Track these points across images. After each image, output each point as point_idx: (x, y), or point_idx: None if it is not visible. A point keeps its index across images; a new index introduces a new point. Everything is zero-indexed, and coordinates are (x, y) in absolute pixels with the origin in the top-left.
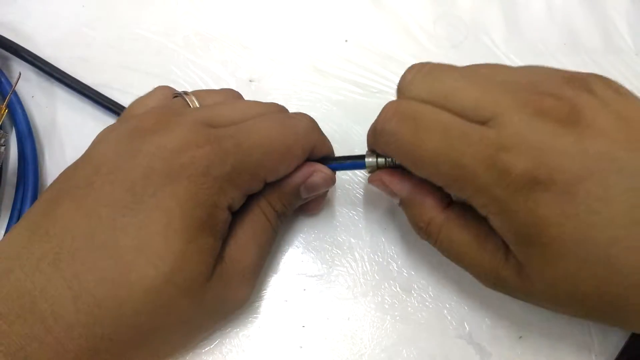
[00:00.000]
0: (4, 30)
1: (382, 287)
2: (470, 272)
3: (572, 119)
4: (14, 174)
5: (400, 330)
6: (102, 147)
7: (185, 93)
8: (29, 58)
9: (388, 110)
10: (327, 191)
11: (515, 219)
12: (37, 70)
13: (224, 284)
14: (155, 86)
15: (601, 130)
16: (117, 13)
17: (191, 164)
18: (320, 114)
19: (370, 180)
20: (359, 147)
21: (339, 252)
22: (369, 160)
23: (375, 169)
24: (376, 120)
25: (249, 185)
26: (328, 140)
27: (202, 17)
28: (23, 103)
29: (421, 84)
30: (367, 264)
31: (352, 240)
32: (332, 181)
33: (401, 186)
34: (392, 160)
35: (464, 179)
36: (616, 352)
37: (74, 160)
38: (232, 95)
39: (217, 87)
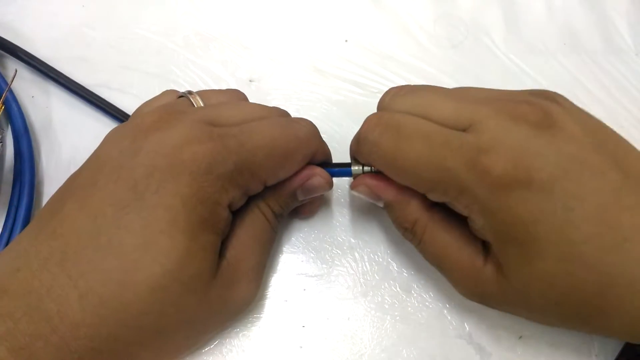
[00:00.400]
0: (3, 30)
1: (382, 287)
2: (450, 277)
3: (545, 123)
4: (10, 172)
5: (400, 330)
6: (106, 147)
7: (190, 93)
8: (25, 58)
9: (370, 120)
10: (323, 195)
11: (496, 217)
12: (33, 69)
13: (229, 283)
14: (156, 86)
15: (571, 134)
16: (117, 13)
17: (193, 160)
18: (320, 114)
19: (353, 186)
20: None
21: (339, 252)
22: (355, 168)
23: (357, 176)
24: (359, 131)
25: (249, 186)
26: (327, 147)
27: (202, 17)
28: (20, 101)
29: (401, 99)
30: (367, 264)
31: (352, 240)
32: (330, 185)
33: (386, 189)
34: (376, 168)
35: (446, 182)
36: (616, 353)
37: (71, 158)
38: (236, 96)
39: (217, 87)
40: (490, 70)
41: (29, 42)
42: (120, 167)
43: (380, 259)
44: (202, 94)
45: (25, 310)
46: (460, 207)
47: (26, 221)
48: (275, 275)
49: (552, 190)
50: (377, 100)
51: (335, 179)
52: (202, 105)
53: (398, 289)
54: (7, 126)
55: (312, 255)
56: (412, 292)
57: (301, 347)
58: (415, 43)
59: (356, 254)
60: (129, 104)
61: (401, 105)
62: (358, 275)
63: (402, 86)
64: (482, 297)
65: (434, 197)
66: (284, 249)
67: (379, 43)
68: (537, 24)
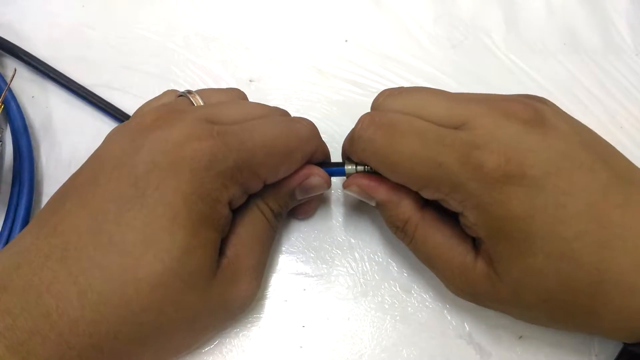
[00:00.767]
0: (3, 30)
1: (382, 287)
2: (441, 276)
3: (537, 120)
4: (10, 171)
5: (400, 330)
6: (107, 146)
7: (189, 92)
8: (25, 57)
9: (364, 119)
10: (321, 195)
11: (489, 212)
12: (33, 68)
13: (230, 281)
14: (155, 86)
15: (562, 132)
16: (117, 13)
17: (194, 157)
18: (320, 114)
19: (345, 185)
20: None
21: (339, 252)
22: (349, 167)
23: (350, 176)
24: (353, 129)
25: (249, 184)
26: (326, 147)
27: (202, 17)
28: (20, 101)
29: (395, 99)
30: (367, 264)
31: (352, 240)
32: (327, 185)
33: (378, 188)
34: (370, 167)
35: (440, 178)
36: (616, 352)
37: (71, 157)
38: (237, 95)
39: (217, 87)
40: (490, 70)
41: (29, 42)
42: (122, 164)
43: (380, 259)
44: (202, 93)
45: (24, 307)
46: (453, 203)
47: (26, 220)
48: (275, 275)
49: (544, 186)
50: None
51: (334, 179)
52: (202, 104)
53: (398, 289)
54: (7, 125)
55: (312, 255)
56: (412, 292)
57: (301, 347)
58: (415, 43)
59: (356, 254)
60: (129, 104)
61: (395, 105)
62: (358, 275)
63: (396, 87)
64: (474, 295)
65: (427, 194)
66: (284, 249)
67: (379, 43)
68: (537, 24)
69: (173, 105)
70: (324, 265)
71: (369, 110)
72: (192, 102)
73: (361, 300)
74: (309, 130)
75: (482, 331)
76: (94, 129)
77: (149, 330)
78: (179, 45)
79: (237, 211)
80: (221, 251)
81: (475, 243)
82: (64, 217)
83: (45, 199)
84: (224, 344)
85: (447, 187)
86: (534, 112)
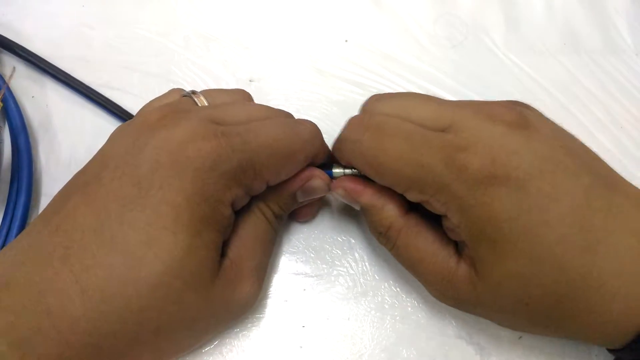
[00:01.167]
0: (3, 30)
1: (382, 287)
2: (424, 281)
3: (521, 123)
4: (8, 170)
5: (400, 330)
6: (111, 145)
7: (194, 92)
8: (23, 54)
9: (353, 121)
10: (322, 198)
11: (472, 214)
12: (32, 66)
13: (232, 282)
14: (155, 86)
15: (545, 135)
16: (117, 13)
17: (198, 157)
18: (320, 114)
19: (332, 188)
20: None
21: (339, 252)
22: (336, 170)
23: (337, 179)
24: (341, 132)
25: (252, 185)
26: (328, 148)
27: (202, 17)
28: (19, 100)
29: (383, 102)
30: (367, 264)
31: (352, 240)
32: (328, 187)
33: (363, 193)
34: (357, 170)
35: (425, 179)
36: None
37: (70, 156)
38: (242, 96)
39: (217, 87)
40: (490, 70)
41: (29, 42)
42: (125, 163)
43: (381, 259)
44: (207, 93)
45: (26, 304)
46: (437, 205)
47: (24, 219)
48: (275, 275)
49: (527, 188)
50: None
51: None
52: (206, 104)
53: (398, 289)
54: (5, 124)
55: (312, 255)
56: (412, 292)
57: (301, 347)
58: (415, 43)
59: (356, 254)
60: (129, 104)
61: (383, 108)
62: (358, 275)
63: (383, 93)
64: (456, 299)
65: (412, 196)
66: (284, 249)
67: (379, 43)
68: (537, 24)
69: (177, 105)
70: (324, 265)
71: None
72: (196, 102)
73: (361, 300)
74: (312, 132)
75: (482, 331)
76: (94, 128)
77: (149, 330)
78: (179, 45)
79: (239, 213)
80: (223, 252)
81: (457, 247)
82: (67, 216)
83: (44, 198)
84: (224, 344)
85: (432, 188)
86: (517, 115)
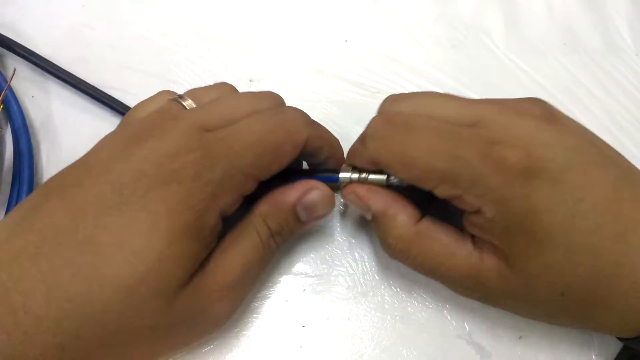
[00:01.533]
0: (3, 30)
1: (382, 287)
2: (447, 282)
3: (549, 117)
4: (10, 171)
5: (400, 330)
6: (97, 151)
7: (181, 96)
8: (24, 53)
9: (378, 119)
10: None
11: (510, 206)
12: (33, 67)
13: (199, 295)
14: (155, 86)
15: (571, 129)
16: (117, 13)
17: (183, 170)
18: (320, 114)
19: (344, 194)
20: None
21: (339, 252)
22: (343, 175)
23: (347, 184)
24: (365, 130)
25: (242, 187)
26: (323, 130)
27: (202, 17)
28: (20, 101)
29: (403, 103)
30: (367, 264)
31: (352, 240)
32: (331, 201)
33: (375, 200)
34: (365, 177)
35: (459, 172)
36: (616, 352)
37: (71, 157)
38: (227, 90)
39: (206, 85)
40: (490, 70)
41: (29, 42)
42: (109, 171)
43: (380, 259)
44: (194, 93)
45: None
46: (470, 200)
47: None
48: (275, 275)
49: (562, 180)
50: (378, 100)
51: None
52: (194, 106)
53: (398, 289)
54: (7, 125)
55: (312, 255)
56: (412, 292)
57: (301, 347)
58: (415, 43)
59: (356, 254)
60: (129, 104)
61: (404, 108)
62: (358, 275)
63: (401, 93)
64: (483, 294)
65: (442, 191)
66: (284, 248)
67: (379, 43)
68: (537, 24)
69: (165, 113)
70: (324, 265)
71: (369, 110)
72: (184, 106)
73: (361, 300)
74: (296, 117)
75: (482, 331)
76: (95, 129)
77: (110, 333)
78: (179, 45)
79: (233, 224)
80: (203, 263)
81: (474, 243)
82: (43, 216)
83: None
84: (224, 344)
85: (467, 181)
86: (545, 109)
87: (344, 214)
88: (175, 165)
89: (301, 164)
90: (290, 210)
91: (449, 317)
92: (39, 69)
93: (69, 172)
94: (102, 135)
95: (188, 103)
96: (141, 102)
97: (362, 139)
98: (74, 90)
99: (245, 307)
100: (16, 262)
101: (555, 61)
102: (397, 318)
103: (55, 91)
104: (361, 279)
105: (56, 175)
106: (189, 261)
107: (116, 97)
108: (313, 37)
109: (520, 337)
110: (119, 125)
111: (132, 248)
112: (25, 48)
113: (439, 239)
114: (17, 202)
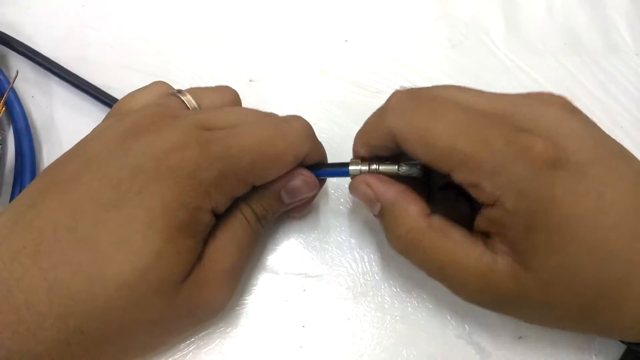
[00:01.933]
0: (3, 30)
1: (382, 287)
2: (457, 284)
3: (571, 108)
4: (11, 173)
5: (400, 330)
6: (95, 144)
7: (181, 92)
8: (26, 52)
9: (401, 92)
10: (315, 195)
11: (533, 197)
12: (35, 68)
13: (201, 285)
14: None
15: (592, 121)
16: (117, 13)
17: (179, 166)
18: (320, 114)
19: (355, 184)
20: None
21: (339, 252)
22: (353, 168)
23: (357, 176)
24: (386, 102)
25: (235, 190)
26: (322, 147)
27: (202, 17)
28: (22, 101)
29: (424, 90)
30: (367, 264)
31: (352, 240)
32: (315, 186)
33: (385, 189)
34: (376, 167)
35: (481, 156)
36: (616, 352)
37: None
38: (228, 94)
39: (209, 87)
40: (490, 70)
41: (29, 42)
42: (107, 166)
43: (380, 259)
44: (194, 92)
45: None
46: (489, 189)
47: None
48: (275, 275)
49: (586, 173)
50: (378, 100)
51: (333, 179)
52: (195, 105)
53: (398, 289)
54: (9, 126)
55: (312, 255)
56: (412, 292)
57: (301, 347)
58: (415, 43)
59: (356, 254)
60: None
61: (427, 93)
62: (358, 275)
63: (413, 88)
64: (495, 297)
65: (460, 175)
66: (285, 249)
67: (379, 43)
68: (537, 24)
69: (166, 110)
70: (324, 265)
71: (369, 110)
72: (184, 103)
73: (361, 300)
74: (300, 131)
75: (482, 331)
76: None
77: (114, 329)
78: (179, 45)
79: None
80: (200, 255)
81: (486, 243)
82: (41, 212)
83: None
84: (224, 344)
85: (488, 166)
86: (567, 100)
87: (344, 214)
88: (172, 161)
89: None
90: (274, 195)
91: (449, 317)
92: (39, 69)
93: (65, 166)
94: None
95: (187, 98)
96: (134, 91)
97: (381, 111)
98: (74, 90)
99: (245, 307)
100: (17, 260)
101: (555, 61)
102: (397, 318)
103: (55, 91)
104: (361, 279)
105: (51, 166)
106: (187, 256)
107: (116, 97)
108: (313, 37)
109: (520, 337)
110: (111, 115)
111: (132, 247)
112: (28, 47)
113: (452, 235)
114: None
